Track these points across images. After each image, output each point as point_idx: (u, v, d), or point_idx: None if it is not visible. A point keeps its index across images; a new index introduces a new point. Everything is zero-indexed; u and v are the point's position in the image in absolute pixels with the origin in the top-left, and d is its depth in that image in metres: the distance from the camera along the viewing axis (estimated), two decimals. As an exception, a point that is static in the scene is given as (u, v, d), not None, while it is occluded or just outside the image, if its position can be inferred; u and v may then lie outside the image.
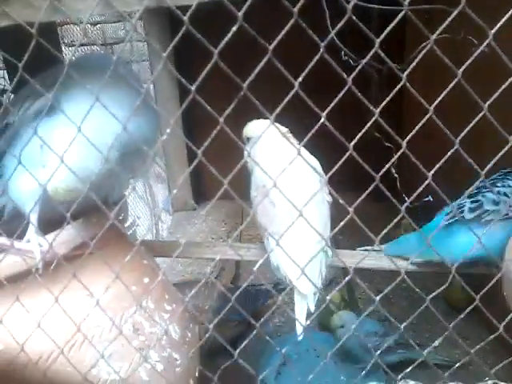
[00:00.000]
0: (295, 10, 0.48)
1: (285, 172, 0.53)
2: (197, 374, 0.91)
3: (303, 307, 0.91)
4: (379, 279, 1.72)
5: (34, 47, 0.51)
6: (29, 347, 0.70)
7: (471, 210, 0.94)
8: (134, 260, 0.85)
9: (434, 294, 0.56)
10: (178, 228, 2.50)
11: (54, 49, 0.52)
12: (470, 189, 0.58)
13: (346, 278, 0.56)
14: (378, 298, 0.54)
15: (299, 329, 0.89)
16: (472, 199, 0.95)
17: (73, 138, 0.59)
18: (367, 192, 0.48)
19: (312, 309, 0.90)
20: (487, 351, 1.38)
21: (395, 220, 0.51)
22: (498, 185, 0.95)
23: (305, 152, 0.86)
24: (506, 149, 0.49)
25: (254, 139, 1.01)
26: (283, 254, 0.57)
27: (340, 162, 0.50)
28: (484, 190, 0.95)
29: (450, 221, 0.96)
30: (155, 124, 0.77)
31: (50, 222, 0.78)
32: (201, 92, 0.50)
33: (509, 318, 0.56)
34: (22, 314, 0.71)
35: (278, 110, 0.51)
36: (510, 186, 0.95)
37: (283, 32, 0.49)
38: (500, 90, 0.49)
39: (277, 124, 0.78)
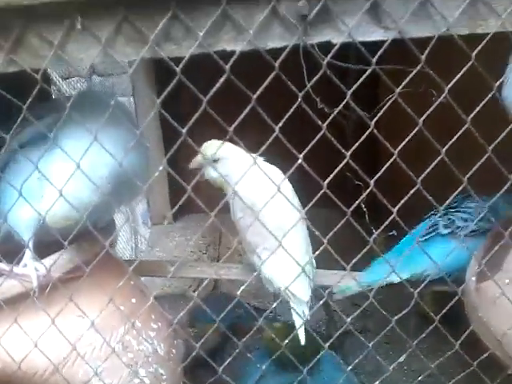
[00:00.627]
0: (276, 64, 0.55)
1: (269, 192, 0.59)
2: (181, 387, 0.97)
3: (302, 314, 0.97)
4: (356, 295, 1.79)
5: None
6: (25, 364, 0.75)
7: (445, 226, 1.07)
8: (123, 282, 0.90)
9: (399, 315, 0.62)
10: (156, 242, 2.53)
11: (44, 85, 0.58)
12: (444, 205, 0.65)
13: (322, 301, 0.62)
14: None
15: (302, 337, 0.94)
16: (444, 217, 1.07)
17: (69, 172, 0.65)
18: (335, 230, 0.55)
19: (308, 316, 0.96)
20: (456, 365, 1.44)
21: (363, 251, 0.57)
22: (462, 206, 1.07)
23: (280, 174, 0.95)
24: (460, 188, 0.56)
25: (225, 160, 1.06)
26: (277, 266, 0.62)
27: (315, 199, 0.56)
28: (452, 211, 1.08)
29: (426, 237, 1.06)
30: (145, 158, 0.83)
31: (42, 244, 0.83)
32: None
33: (464, 335, 0.63)
34: (19, 334, 0.76)
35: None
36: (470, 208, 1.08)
37: (265, 83, 0.55)
38: (455, 137, 0.57)
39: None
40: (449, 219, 1.08)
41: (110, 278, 0.87)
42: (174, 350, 0.97)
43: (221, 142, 1.05)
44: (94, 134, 0.63)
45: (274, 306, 0.70)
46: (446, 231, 1.07)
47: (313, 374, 1.39)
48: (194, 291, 1.97)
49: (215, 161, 1.07)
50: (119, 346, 0.83)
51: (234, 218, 1.07)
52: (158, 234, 2.60)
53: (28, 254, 0.79)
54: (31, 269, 0.78)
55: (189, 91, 0.55)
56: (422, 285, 0.65)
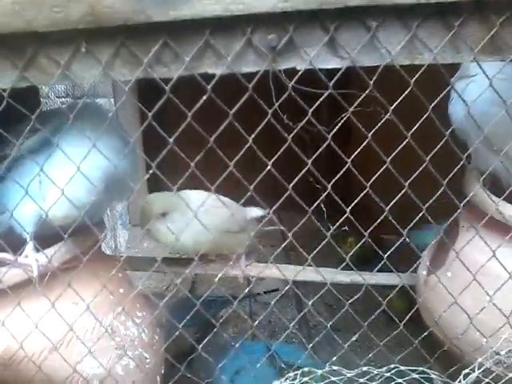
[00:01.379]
0: (250, 85, 0.66)
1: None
2: (163, 372, 1.07)
3: None
4: (326, 292, 1.90)
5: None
6: (25, 346, 0.85)
7: None
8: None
9: (351, 300, 0.73)
10: (135, 242, 2.59)
11: (34, 99, 0.68)
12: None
13: (286, 288, 0.73)
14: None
15: None
16: None
17: (67, 175, 0.75)
18: (299, 225, 0.66)
19: None
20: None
21: (320, 246, 0.69)
22: None
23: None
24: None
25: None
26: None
27: (280, 201, 0.67)
28: None
29: None
30: (135, 160, 0.94)
31: (41, 238, 0.93)
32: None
33: (425, 334, 0.74)
34: (18, 318, 0.85)
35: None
36: None
37: (241, 101, 0.66)
38: (398, 149, 0.68)
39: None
40: None
41: (101, 270, 0.97)
42: (156, 337, 1.07)
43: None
44: (91, 140, 0.73)
45: (246, 291, 0.79)
46: None
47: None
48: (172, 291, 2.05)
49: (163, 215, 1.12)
50: (108, 330, 0.93)
51: None
52: (137, 235, 2.66)
53: (29, 246, 0.89)
54: (32, 259, 0.87)
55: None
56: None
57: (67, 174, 0.76)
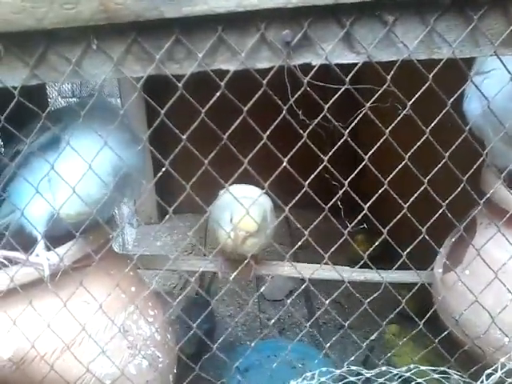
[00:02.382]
0: (264, 81, 0.65)
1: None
2: (175, 371, 1.06)
3: None
4: (335, 291, 1.88)
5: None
6: (36, 345, 0.84)
7: None
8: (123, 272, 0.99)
9: (370, 298, 0.72)
10: (143, 241, 2.60)
11: (42, 99, 0.68)
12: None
13: (303, 286, 0.72)
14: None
15: None
16: None
17: (77, 171, 0.74)
18: (317, 221, 0.64)
19: None
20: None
21: (339, 242, 0.67)
22: None
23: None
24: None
25: None
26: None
27: (297, 197, 0.66)
28: None
29: None
30: (143, 155, 0.93)
31: (52, 238, 0.92)
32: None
33: (445, 333, 0.73)
34: (29, 318, 0.85)
35: (251, 155, 0.67)
36: None
37: (255, 98, 0.65)
38: (418, 144, 0.67)
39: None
40: None
41: (113, 268, 0.97)
42: (168, 336, 1.06)
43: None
44: (101, 136, 0.72)
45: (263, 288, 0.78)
46: None
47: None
48: (181, 289, 2.05)
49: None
50: (121, 329, 0.92)
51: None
52: (144, 234, 2.69)
53: (41, 245, 0.89)
54: (43, 258, 0.87)
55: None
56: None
57: (77, 170, 0.76)
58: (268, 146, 0.66)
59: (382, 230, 0.70)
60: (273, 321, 0.83)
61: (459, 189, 0.68)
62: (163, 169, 0.68)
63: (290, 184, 0.73)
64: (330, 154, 0.66)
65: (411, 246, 0.70)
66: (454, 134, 0.70)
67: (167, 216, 0.69)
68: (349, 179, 0.68)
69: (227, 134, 0.66)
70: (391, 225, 0.72)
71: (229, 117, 0.69)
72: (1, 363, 0.86)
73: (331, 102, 0.64)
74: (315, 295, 1.98)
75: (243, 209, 0.82)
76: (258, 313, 1.94)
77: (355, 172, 0.67)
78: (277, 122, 0.65)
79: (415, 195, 0.68)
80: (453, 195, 0.68)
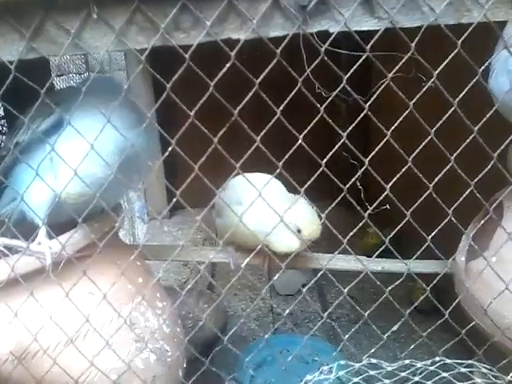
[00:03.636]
0: (278, 51, 0.60)
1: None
2: (185, 365, 1.01)
3: None
4: (348, 284, 1.84)
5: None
6: (39, 338, 0.80)
7: None
8: (130, 262, 0.95)
9: (392, 285, 0.67)
10: (153, 236, 2.59)
11: (47, 77, 0.63)
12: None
13: (319, 274, 0.67)
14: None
15: None
16: None
17: (79, 150, 0.69)
18: (337, 200, 0.59)
19: None
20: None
21: (360, 224, 0.62)
22: None
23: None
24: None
25: None
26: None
27: (314, 176, 0.61)
28: None
29: None
30: (152, 136, 0.88)
31: (54, 225, 0.88)
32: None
33: (470, 325, 0.68)
34: (31, 310, 0.81)
35: (264, 131, 0.62)
36: None
37: (268, 68, 0.60)
38: (445, 118, 0.61)
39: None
40: None
41: (119, 258, 0.92)
42: (178, 329, 1.01)
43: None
44: (103, 114, 0.67)
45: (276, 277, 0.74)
46: None
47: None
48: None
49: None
50: (127, 322, 0.88)
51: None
52: (155, 229, 2.67)
53: (42, 233, 0.84)
54: (45, 246, 0.82)
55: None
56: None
57: (79, 149, 0.71)
58: (279, 125, 0.61)
59: (405, 211, 0.64)
60: (287, 311, 0.77)
61: (489, 166, 0.62)
62: (169, 148, 0.64)
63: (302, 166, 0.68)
64: (350, 129, 0.60)
65: (437, 229, 0.65)
66: (478, 111, 0.65)
67: (174, 199, 0.64)
68: (369, 157, 0.63)
69: (238, 109, 0.61)
70: (414, 207, 0.67)
71: (236, 95, 0.64)
72: (2, 356, 0.82)
73: (351, 71, 0.59)
74: (328, 290, 1.95)
75: (307, 218, 0.80)
76: (271, 306, 1.90)
77: (376, 150, 0.62)
78: (292, 94, 0.60)
79: (441, 173, 0.62)
80: (482, 173, 0.63)
